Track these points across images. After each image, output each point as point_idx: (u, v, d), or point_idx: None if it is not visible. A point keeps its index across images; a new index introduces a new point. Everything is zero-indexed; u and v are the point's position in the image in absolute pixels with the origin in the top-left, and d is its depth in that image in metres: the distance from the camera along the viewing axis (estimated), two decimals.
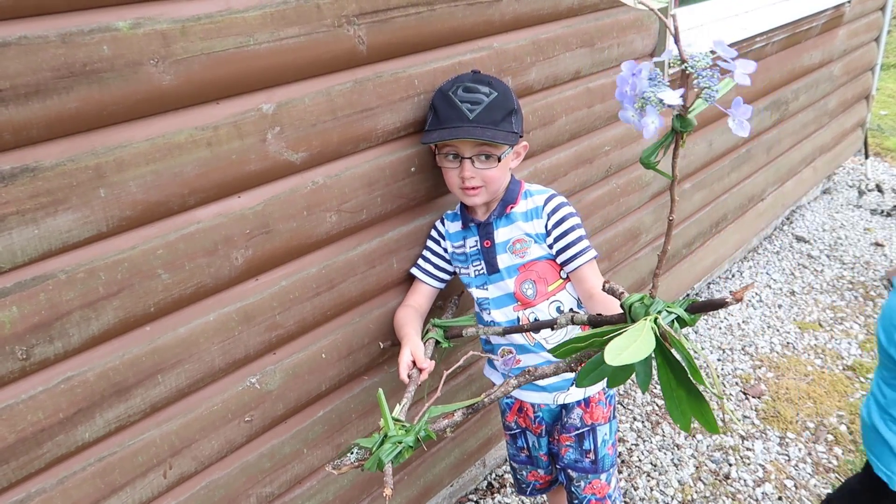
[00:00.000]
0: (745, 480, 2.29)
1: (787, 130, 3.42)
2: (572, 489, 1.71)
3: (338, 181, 1.45)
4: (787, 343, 3.00)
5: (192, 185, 1.22)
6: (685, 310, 0.99)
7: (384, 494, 1.11)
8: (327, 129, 1.40)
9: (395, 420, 1.25)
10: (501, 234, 1.53)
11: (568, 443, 1.67)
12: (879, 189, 4.32)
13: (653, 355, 0.94)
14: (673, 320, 0.99)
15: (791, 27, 2.99)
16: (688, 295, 3.26)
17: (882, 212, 4.10)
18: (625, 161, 2.31)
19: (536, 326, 1.46)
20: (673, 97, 0.85)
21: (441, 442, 1.99)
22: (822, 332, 3.05)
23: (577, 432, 1.65)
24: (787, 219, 4.07)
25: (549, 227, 1.50)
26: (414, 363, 1.41)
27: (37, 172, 1.04)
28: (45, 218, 1.06)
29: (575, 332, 1.55)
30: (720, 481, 2.30)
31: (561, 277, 1.54)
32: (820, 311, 3.21)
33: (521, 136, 1.50)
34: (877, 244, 3.74)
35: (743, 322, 3.14)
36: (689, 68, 0.82)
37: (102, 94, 1.07)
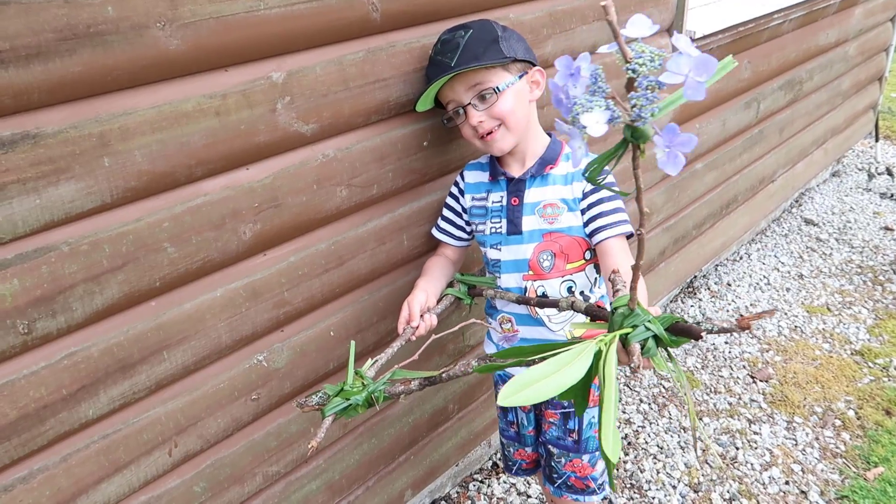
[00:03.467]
0: (752, 464, 2.28)
1: (801, 111, 3.36)
2: (552, 463, 1.67)
3: (348, 154, 1.41)
4: (795, 327, 2.97)
5: (199, 156, 1.18)
6: (666, 328, 0.92)
7: (309, 446, 1.09)
8: (339, 100, 1.35)
9: (357, 375, 1.22)
10: (533, 194, 1.44)
11: (552, 419, 1.62)
12: (889, 172, 4.27)
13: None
14: (650, 338, 0.92)
15: (809, 4, 2.92)
16: (694, 279, 3.23)
17: (892, 196, 4.05)
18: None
19: (541, 303, 1.42)
20: (596, 124, 0.70)
21: (448, 422, 1.97)
22: (830, 317, 3.02)
23: (563, 410, 1.61)
24: (796, 201, 4.03)
25: (587, 191, 1.41)
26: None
27: (38, 139, 0.99)
28: (47, 187, 1.02)
29: (579, 317, 1.51)
30: (727, 464, 2.28)
31: (584, 258, 1.46)
32: (828, 294, 3.18)
33: (529, 63, 1.40)
34: (886, 228, 3.70)
35: (751, 305, 3.11)
36: (630, 72, 0.67)
37: (107, 58, 1.02)
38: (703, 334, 0.88)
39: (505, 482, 2.24)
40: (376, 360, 1.26)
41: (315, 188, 1.37)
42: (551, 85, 0.77)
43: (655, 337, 0.92)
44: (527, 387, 0.80)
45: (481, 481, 2.25)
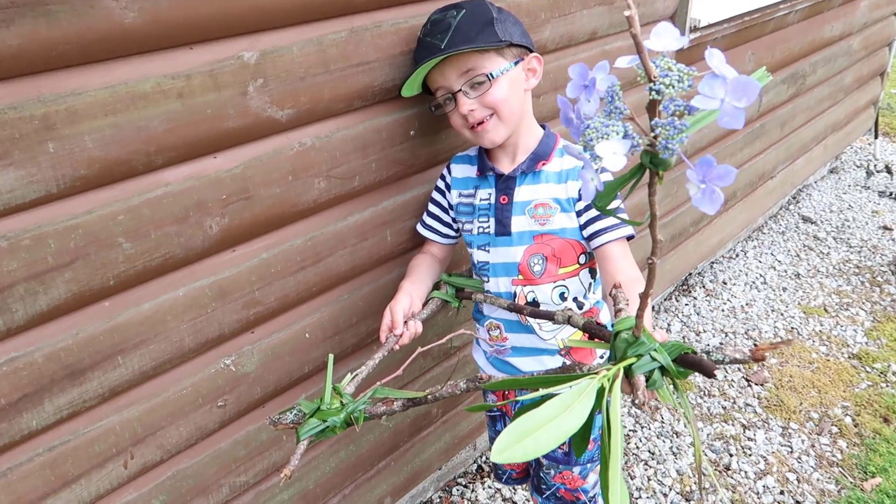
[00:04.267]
0: (745, 472, 2.20)
1: (802, 106, 3.26)
2: (541, 474, 1.57)
3: (328, 143, 1.29)
4: (792, 328, 2.89)
5: (159, 142, 1.06)
6: (674, 359, 0.83)
7: (282, 475, 0.98)
8: (318, 84, 1.23)
9: (336, 392, 1.12)
10: (524, 192, 1.33)
11: None
12: (889, 170, 4.19)
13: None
14: (656, 369, 0.83)
15: None
16: (691, 271, 3.14)
17: (891, 194, 3.97)
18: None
19: (535, 314, 1.32)
20: (614, 156, 0.60)
21: (432, 426, 1.87)
22: (827, 318, 2.95)
23: None
24: (794, 198, 3.94)
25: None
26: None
27: None
28: None
29: (570, 329, 1.40)
30: (720, 472, 2.20)
31: (578, 263, 1.36)
32: (825, 295, 3.10)
33: (525, 49, 1.29)
34: (885, 228, 3.62)
35: (746, 305, 3.03)
36: (654, 94, 0.58)
37: (51, 31, 0.90)
38: (715, 370, 0.78)
39: (490, 487, 2.15)
40: (356, 374, 1.16)
41: (290, 179, 1.25)
42: (560, 101, 0.66)
43: (661, 367, 0.83)
44: (524, 437, 0.69)
45: (465, 486, 2.16)
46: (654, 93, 0.57)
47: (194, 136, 1.10)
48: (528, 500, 2.09)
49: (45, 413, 1.06)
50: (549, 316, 1.26)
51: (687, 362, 0.84)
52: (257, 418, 1.39)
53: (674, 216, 2.62)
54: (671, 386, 0.87)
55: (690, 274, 3.17)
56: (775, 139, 3.17)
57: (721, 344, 2.79)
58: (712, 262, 3.32)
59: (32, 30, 0.89)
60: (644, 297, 0.80)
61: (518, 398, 1.49)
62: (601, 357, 1.49)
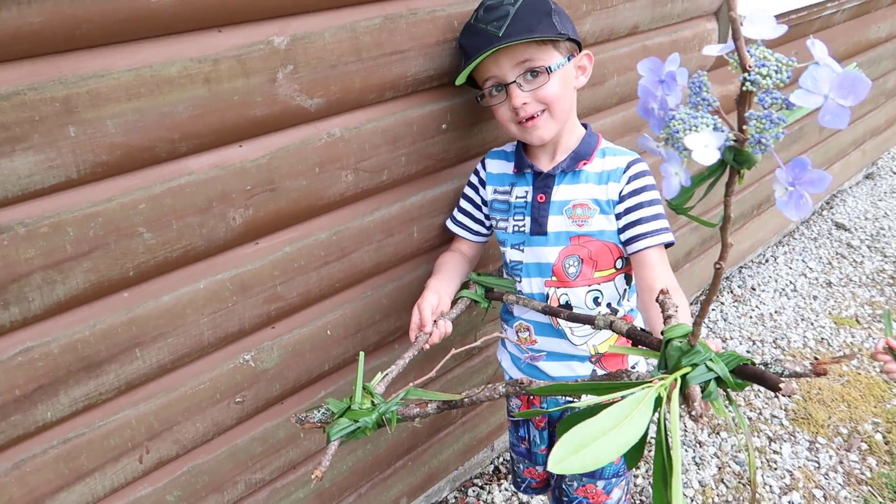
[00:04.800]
0: (770, 486, 2.13)
1: None
2: (563, 486, 1.52)
3: (357, 135, 1.25)
4: (822, 339, 2.80)
5: (183, 129, 1.02)
6: (732, 371, 0.78)
7: (313, 476, 0.94)
8: (349, 73, 1.18)
9: (367, 391, 1.08)
10: (562, 191, 1.28)
11: None
12: None
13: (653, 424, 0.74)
14: (712, 380, 0.78)
15: None
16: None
17: None
18: None
19: (573, 317, 1.26)
20: (705, 149, 0.55)
21: (451, 426, 1.83)
22: (859, 330, 2.86)
23: None
24: (827, 203, 3.83)
25: (625, 193, 1.24)
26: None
27: None
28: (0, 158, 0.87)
29: (606, 333, 1.35)
30: (744, 485, 2.14)
31: (615, 267, 1.31)
32: (858, 305, 3.01)
33: (577, 45, 1.25)
34: None
35: (775, 312, 2.94)
36: (749, 84, 0.54)
37: (75, 9, 0.86)
38: (781, 384, 0.72)
39: (506, 490, 2.11)
40: (386, 374, 1.11)
41: (317, 171, 1.21)
42: (641, 90, 0.60)
43: (717, 378, 0.78)
44: (582, 448, 0.65)
45: (481, 487, 2.12)
46: (748, 83, 0.53)
47: (220, 124, 1.06)
48: None
49: (60, 405, 1.03)
50: (589, 320, 1.20)
51: (747, 374, 0.79)
52: (275, 415, 1.35)
53: (705, 219, 2.55)
54: (725, 399, 0.82)
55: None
56: (813, 143, 3.07)
57: (779, 358, 2.71)
58: (741, 267, 3.24)
59: (55, 7, 0.85)
60: (706, 302, 0.76)
61: (546, 408, 1.44)
62: (633, 367, 1.43)
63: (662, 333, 0.88)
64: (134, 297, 1.07)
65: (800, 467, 2.21)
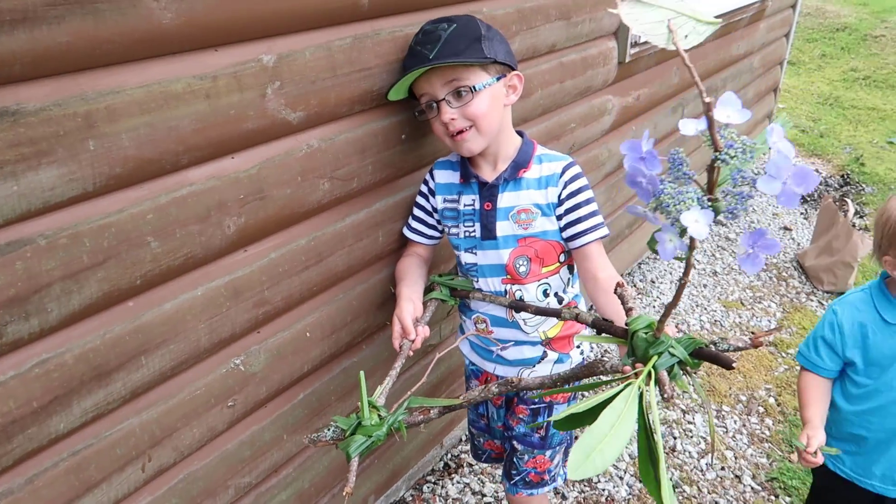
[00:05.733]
0: (689, 452, 2.38)
1: None
2: (514, 459, 1.67)
3: (332, 145, 1.34)
4: (715, 321, 3.14)
5: (187, 142, 1.08)
6: (690, 353, 0.93)
7: (344, 493, 1.04)
8: (326, 88, 1.28)
9: (372, 406, 1.18)
10: (506, 198, 1.41)
11: (522, 415, 1.62)
12: None
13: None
14: (674, 364, 0.93)
15: (728, 16, 3.10)
16: (623, 272, 3.34)
17: None
18: (586, 139, 2.31)
19: (541, 312, 1.41)
20: (696, 224, 0.66)
21: None
22: (744, 311, 3.22)
23: (533, 406, 1.61)
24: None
25: (563, 196, 1.39)
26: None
27: (18, 117, 0.87)
28: (26, 172, 0.90)
29: (553, 319, 1.50)
30: (668, 454, 2.37)
31: (559, 261, 1.46)
32: (740, 290, 3.39)
33: (509, 66, 1.37)
34: (785, 228, 3.99)
35: None
36: (720, 161, 0.65)
37: (98, 29, 0.91)
38: (733, 363, 0.89)
39: (459, 482, 2.22)
40: (384, 387, 1.22)
41: (300, 180, 1.29)
42: (628, 167, 0.72)
43: (679, 361, 0.93)
44: (592, 453, 0.76)
45: (435, 482, 2.22)
46: (720, 162, 0.65)
47: (218, 137, 1.12)
48: (497, 492, 2.18)
49: (72, 416, 1.05)
50: (556, 314, 1.35)
51: (703, 355, 0.93)
52: (261, 418, 1.40)
53: (612, 219, 2.80)
54: (685, 376, 0.97)
55: (622, 274, 3.38)
56: (692, 148, 3.44)
57: (724, 337, 2.99)
58: (640, 263, 3.55)
59: (81, 27, 0.90)
60: (671, 305, 0.89)
61: (498, 384, 1.59)
62: (578, 346, 1.60)
63: (627, 325, 1.03)
64: (139, 305, 1.10)
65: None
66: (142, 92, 0.99)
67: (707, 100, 0.65)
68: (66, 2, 0.87)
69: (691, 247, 0.78)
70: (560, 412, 1.59)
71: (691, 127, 0.69)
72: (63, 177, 0.93)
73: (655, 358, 0.94)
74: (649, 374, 0.92)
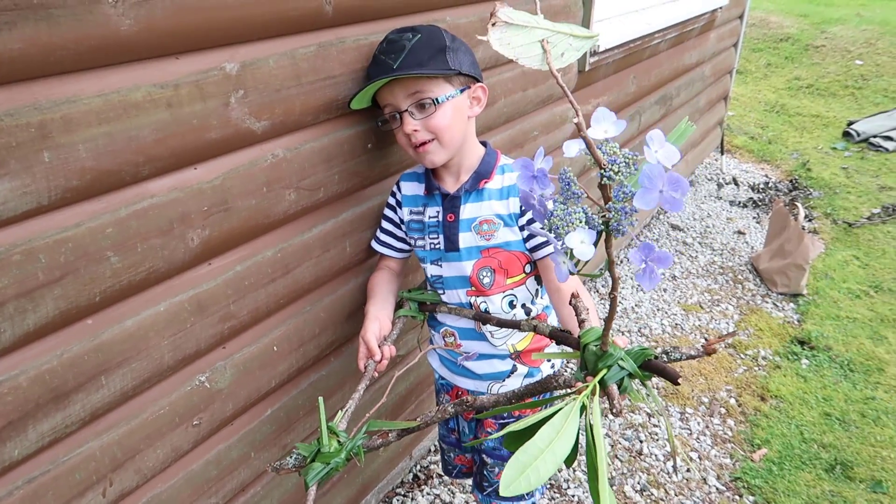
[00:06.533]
0: (656, 455, 2.41)
1: (670, 125, 3.63)
2: (485, 472, 1.66)
3: (297, 155, 1.31)
4: (676, 324, 3.19)
5: (148, 153, 1.04)
6: (640, 366, 0.93)
7: None
8: (291, 97, 1.25)
9: (332, 432, 1.16)
10: (469, 209, 1.40)
11: (490, 429, 1.62)
12: (735, 182, 4.74)
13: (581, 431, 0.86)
14: (625, 376, 0.92)
15: (681, 26, 3.17)
16: (583, 282, 3.37)
17: (739, 203, 4.50)
18: (549, 146, 2.32)
19: (502, 323, 1.40)
20: (582, 245, 0.67)
21: None
22: (703, 313, 3.29)
23: (502, 421, 1.60)
24: (662, 209, 4.35)
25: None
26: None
27: None
28: None
29: (522, 333, 1.50)
30: (634, 457, 2.40)
31: (524, 272, 1.45)
32: (699, 294, 3.46)
33: (473, 78, 1.36)
34: (739, 232, 4.09)
35: (636, 305, 3.31)
36: (605, 179, 0.65)
37: (52, 35, 0.88)
38: (679, 378, 0.89)
39: (429, 494, 2.20)
40: (346, 410, 1.19)
41: (265, 190, 1.26)
42: (520, 192, 0.72)
43: (629, 373, 0.92)
44: (526, 468, 0.75)
45: (404, 495, 2.19)
46: (605, 178, 0.66)
47: (180, 147, 1.09)
48: (468, 502, 2.16)
49: (28, 441, 0.99)
50: (515, 325, 1.35)
51: (651, 368, 0.93)
52: (227, 436, 1.36)
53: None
54: (639, 387, 0.97)
55: (585, 281, 3.41)
56: None
57: (675, 346, 3.03)
58: (601, 268, 3.59)
59: (34, 34, 0.86)
60: (609, 319, 0.89)
61: (454, 404, 1.58)
62: (549, 360, 1.60)
63: (579, 337, 1.02)
64: (98, 323, 1.05)
65: (676, 436, 2.51)
66: (99, 101, 0.96)
67: (576, 120, 0.65)
68: (18, 7, 0.83)
69: (610, 263, 0.77)
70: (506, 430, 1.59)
71: (574, 148, 0.69)
72: (16, 190, 0.89)
73: (604, 371, 0.93)
74: (596, 388, 0.91)
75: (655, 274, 0.67)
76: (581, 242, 0.66)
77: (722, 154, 5.06)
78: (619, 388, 0.93)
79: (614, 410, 0.90)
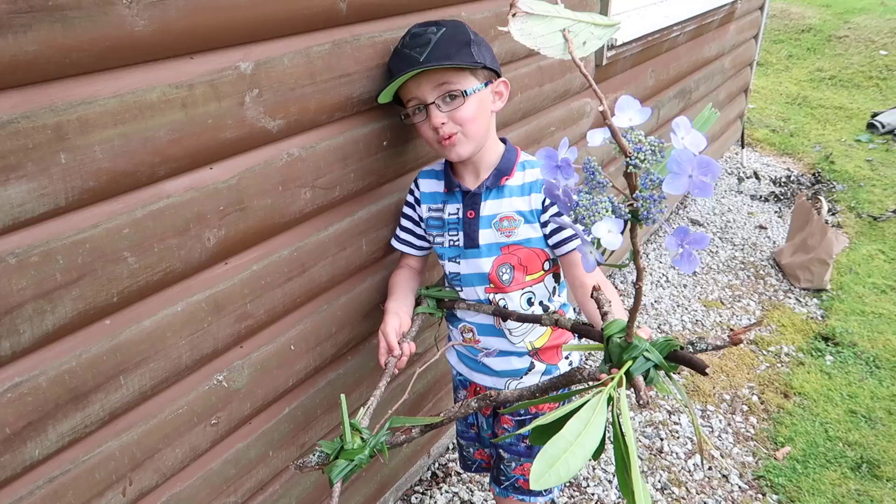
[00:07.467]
0: (676, 453, 2.38)
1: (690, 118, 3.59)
2: (501, 466, 1.65)
3: (313, 153, 1.31)
4: (696, 320, 3.16)
5: (163, 153, 1.04)
6: (665, 356, 0.91)
7: None
8: (305, 95, 1.25)
9: (354, 429, 1.16)
10: (489, 206, 1.40)
11: (507, 426, 1.61)
12: (756, 176, 4.68)
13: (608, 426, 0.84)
14: (650, 368, 0.91)
15: (700, 18, 3.13)
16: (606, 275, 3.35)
17: (760, 197, 4.43)
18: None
19: (522, 318, 1.39)
20: (609, 234, 0.65)
21: None
22: (724, 309, 3.25)
23: (518, 418, 1.59)
24: (682, 204, 4.31)
25: (547, 203, 1.37)
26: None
27: None
28: None
29: (540, 329, 1.49)
30: (655, 455, 2.37)
31: (543, 269, 1.44)
32: (720, 289, 3.41)
33: (495, 73, 1.36)
34: (760, 227, 4.04)
35: (655, 302, 3.27)
36: (631, 167, 0.63)
37: (66, 37, 0.88)
38: (707, 369, 0.87)
39: (447, 492, 2.19)
40: (368, 407, 1.19)
41: (280, 190, 1.26)
42: (545, 182, 0.71)
43: (655, 364, 0.91)
44: (555, 462, 0.74)
45: (423, 493, 2.19)
46: (631, 167, 0.64)
47: (195, 147, 1.09)
48: (486, 500, 2.15)
49: (48, 441, 1.00)
50: (536, 320, 1.33)
51: (678, 359, 0.91)
52: (245, 435, 1.36)
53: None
54: (665, 377, 0.95)
55: (608, 276, 3.38)
56: None
57: (701, 336, 3.00)
58: (626, 259, 3.56)
59: (49, 36, 0.86)
60: (633, 310, 0.88)
61: (477, 399, 1.57)
62: (566, 358, 1.58)
63: (602, 329, 1.01)
64: (116, 323, 1.06)
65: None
66: (115, 102, 0.96)
67: (601, 108, 0.63)
68: (33, 9, 0.83)
69: (635, 254, 0.75)
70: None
71: (598, 137, 0.68)
72: (33, 192, 0.89)
73: (630, 363, 0.91)
74: (622, 379, 0.90)
75: (694, 256, 0.65)
76: (608, 232, 0.65)
77: (742, 147, 4.99)
78: (644, 379, 0.92)
79: (641, 402, 0.88)
